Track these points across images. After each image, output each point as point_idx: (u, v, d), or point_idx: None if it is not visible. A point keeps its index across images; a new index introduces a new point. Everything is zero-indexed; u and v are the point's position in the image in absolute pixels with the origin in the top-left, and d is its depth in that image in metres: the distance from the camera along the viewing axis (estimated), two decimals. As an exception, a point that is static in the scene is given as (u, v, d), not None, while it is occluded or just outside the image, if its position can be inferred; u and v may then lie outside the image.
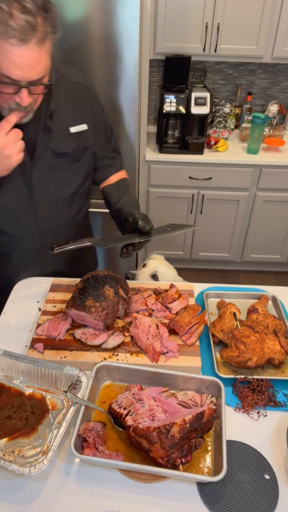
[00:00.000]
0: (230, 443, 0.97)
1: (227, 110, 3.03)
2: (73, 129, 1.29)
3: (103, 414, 1.00)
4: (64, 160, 1.30)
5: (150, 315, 1.26)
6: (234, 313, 1.21)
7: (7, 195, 1.27)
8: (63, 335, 1.18)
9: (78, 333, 1.18)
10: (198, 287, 1.44)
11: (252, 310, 1.28)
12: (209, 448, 0.95)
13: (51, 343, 1.16)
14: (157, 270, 1.50)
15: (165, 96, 2.67)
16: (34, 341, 1.17)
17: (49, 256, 1.43)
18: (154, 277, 1.49)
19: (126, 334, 1.20)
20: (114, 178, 1.49)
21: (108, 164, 1.47)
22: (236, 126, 3.16)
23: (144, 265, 1.53)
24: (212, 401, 0.97)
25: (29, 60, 0.99)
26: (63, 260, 1.47)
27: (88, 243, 1.22)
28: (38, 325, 1.22)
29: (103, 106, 1.42)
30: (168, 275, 1.51)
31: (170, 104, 2.68)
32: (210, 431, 0.96)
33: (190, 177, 2.82)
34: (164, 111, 2.69)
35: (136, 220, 1.22)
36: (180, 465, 0.87)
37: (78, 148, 1.32)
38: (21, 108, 1.08)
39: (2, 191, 1.26)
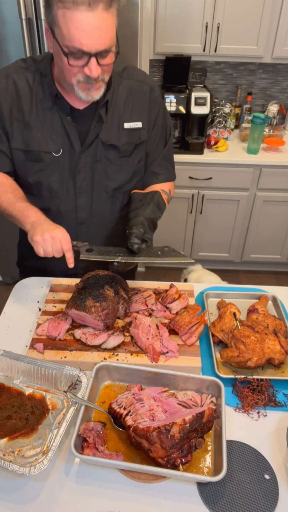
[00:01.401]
0: (230, 443, 0.97)
1: (227, 110, 3.03)
2: (127, 125, 1.30)
3: (103, 414, 1.00)
4: (113, 152, 1.31)
5: (150, 315, 1.26)
6: (234, 313, 1.21)
7: (53, 176, 1.31)
8: (63, 335, 1.18)
9: (78, 333, 1.18)
10: (198, 287, 1.44)
11: (252, 310, 1.28)
12: (209, 448, 0.95)
13: (51, 343, 1.16)
14: (200, 282, 1.46)
15: (165, 96, 2.67)
16: (34, 341, 1.17)
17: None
18: None
19: (126, 334, 1.20)
20: (155, 188, 1.42)
21: (155, 171, 1.43)
22: (236, 126, 3.16)
23: (185, 280, 1.49)
24: (212, 401, 0.97)
25: (97, 26, 1.02)
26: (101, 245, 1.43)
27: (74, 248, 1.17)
28: (38, 325, 1.22)
29: (166, 110, 1.42)
30: (212, 283, 1.46)
31: (170, 104, 2.68)
32: (210, 431, 0.96)
33: (190, 177, 2.82)
34: (164, 111, 2.70)
35: (130, 235, 1.17)
36: (180, 465, 0.87)
37: (129, 144, 1.32)
38: (91, 80, 1.10)
39: (49, 172, 1.30)
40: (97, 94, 1.16)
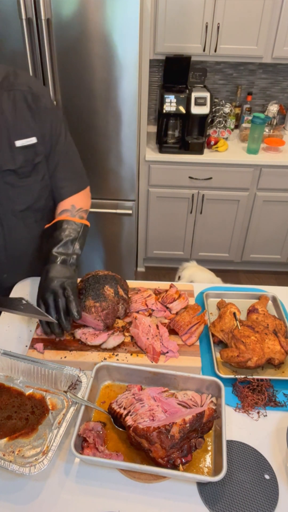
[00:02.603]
0: (230, 443, 0.97)
1: (227, 110, 3.03)
2: (19, 143, 1.17)
3: (103, 414, 1.00)
4: (10, 177, 1.20)
5: (150, 315, 1.26)
6: (234, 313, 1.21)
7: None
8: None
9: (78, 333, 1.18)
10: (198, 287, 1.44)
11: (252, 310, 1.28)
12: (209, 448, 0.95)
13: (51, 343, 1.16)
14: (193, 279, 1.46)
15: (165, 96, 2.67)
16: (34, 341, 1.17)
17: (5, 271, 1.38)
18: None
19: (126, 334, 1.20)
20: (69, 202, 1.33)
21: (59, 185, 1.32)
22: (236, 126, 3.16)
23: (179, 278, 1.49)
24: (212, 401, 0.97)
25: None
26: (26, 274, 1.41)
27: None
28: (38, 325, 1.22)
29: (57, 115, 1.26)
30: (205, 280, 1.47)
31: (170, 104, 2.68)
32: (210, 431, 0.96)
33: (190, 177, 2.82)
34: (164, 111, 2.69)
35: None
36: (180, 465, 0.87)
37: (26, 164, 1.20)
38: None
39: None
40: None
